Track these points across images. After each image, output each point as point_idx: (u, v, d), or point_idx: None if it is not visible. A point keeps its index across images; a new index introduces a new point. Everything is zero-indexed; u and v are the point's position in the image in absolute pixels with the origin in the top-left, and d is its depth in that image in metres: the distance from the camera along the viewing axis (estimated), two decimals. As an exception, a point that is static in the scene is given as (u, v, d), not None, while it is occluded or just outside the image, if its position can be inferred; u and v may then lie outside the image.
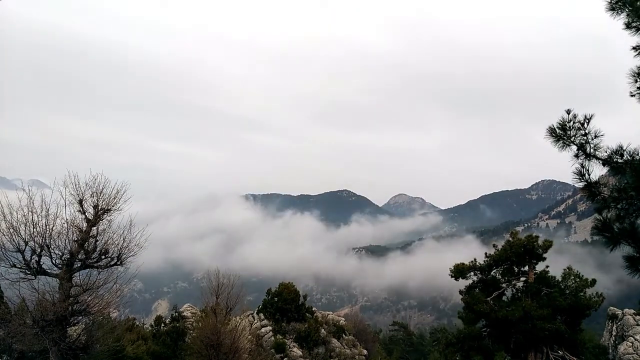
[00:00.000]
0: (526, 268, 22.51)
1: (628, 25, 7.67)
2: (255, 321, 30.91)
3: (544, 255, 22.40)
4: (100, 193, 14.02)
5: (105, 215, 14.17)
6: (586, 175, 8.00)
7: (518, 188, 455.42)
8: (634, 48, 7.85)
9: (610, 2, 7.73)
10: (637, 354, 22.37)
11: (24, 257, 12.81)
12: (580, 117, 7.77)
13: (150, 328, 27.95)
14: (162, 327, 27.03)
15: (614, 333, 25.08)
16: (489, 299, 21.79)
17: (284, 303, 32.18)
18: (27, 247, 12.74)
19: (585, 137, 7.83)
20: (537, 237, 23.03)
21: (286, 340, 29.06)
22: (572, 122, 7.85)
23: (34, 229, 12.69)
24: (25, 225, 12.59)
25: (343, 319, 38.27)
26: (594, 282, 22.23)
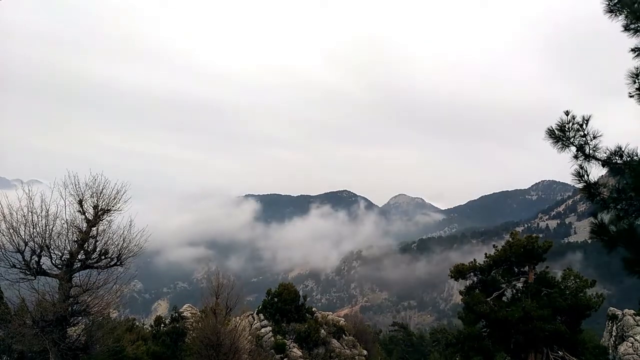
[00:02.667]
0: (526, 268, 22.53)
1: (626, 27, 7.68)
2: (255, 322, 30.91)
3: (544, 255, 22.42)
4: (100, 193, 14.03)
5: (105, 216, 14.18)
6: (585, 176, 8.00)
7: (518, 188, 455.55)
8: (632, 50, 7.86)
9: (609, 4, 7.74)
10: (637, 354, 22.36)
11: (23, 258, 12.81)
12: (579, 118, 7.78)
13: (150, 328, 27.95)
14: (162, 328, 27.02)
15: (614, 333, 25.07)
16: (489, 299, 21.79)
17: (284, 303, 32.19)
18: (26, 247, 12.74)
19: (584, 138, 7.84)
20: (536, 237, 23.05)
21: (286, 341, 29.07)
22: (570, 123, 7.87)
23: (34, 230, 12.69)
24: (25, 225, 12.59)
25: (343, 319, 38.28)
26: (593, 282, 22.25)
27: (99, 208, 14.03)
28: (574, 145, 7.89)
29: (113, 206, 14.25)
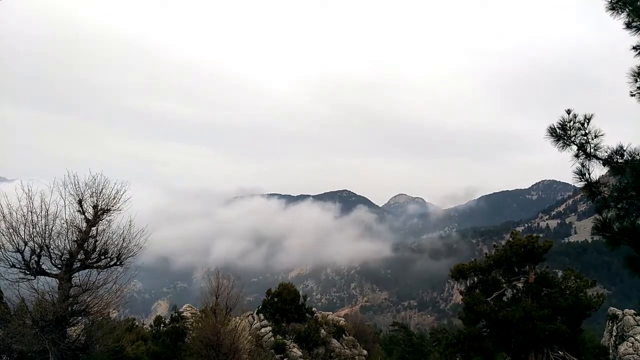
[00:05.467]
0: (526, 268, 22.49)
1: (628, 25, 7.65)
2: (255, 321, 30.88)
3: (544, 255, 22.39)
4: (100, 193, 14.01)
5: (104, 216, 14.16)
6: (586, 175, 7.97)
7: (518, 188, 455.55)
8: (634, 48, 7.83)
9: (611, 2, 7.72)
10: (637, 354, 22.34)
11: (23, 257, 12.79)
12: (581, 117, 7.74)
13: (149, 328, 27.92)
14: (161, 328, 26.99)
15: (614, 333, 25.05)
16: (489, 299, 21.75)
17: (284, 303, 32.16)
18: (26, 247, 12.71)
19: (585, 137, 7.80)
20: (537, 237, 23.01)
21: (286, 341, 29.04)
22: (572, 122, 7.83)
23: (34, 229, 12.66)
24: (25, 225, 12.56)
25: (343, 319, 38.27)
26: (594, 282, 22.22)
27: (99, 208, 14.02)
28: (575, 144, 7.86)
29: (113, 206, 14.23)
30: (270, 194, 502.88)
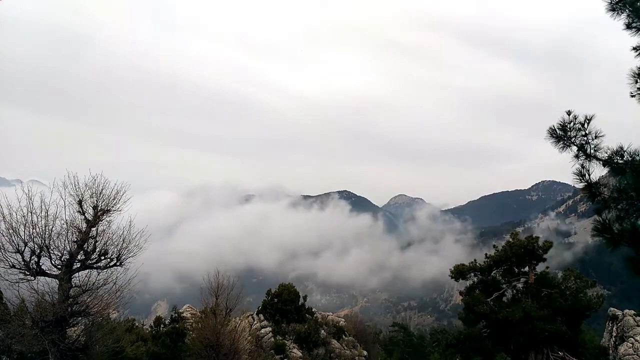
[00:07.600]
0: (526, 269, 22.51)
1: (628, 26, 7.66)
2: (255, 322, 30.87)
3: (544, 256, 22.41)
4: (100, 194, 14.00)
5: (104, 216, 14.15)
6: (586, 175, 7.97)
7: (518, 189, 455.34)
8: (634, 49, 7.84)
9: (611, 3, 7.73)
10: (637, 354, 22.32)
11: (23, 258, 12.77)
12: (581, 118, 7.75)
13: (149, 329, 27.88)
14: (161, 328, 26.97)
15: (614, 334, 25.02)
16: (489, 300, 21.78)
17: (284, 304, 32.16)
18: (26, 247, 12.70)
19: (585, 138, 7.81)
20: (537, 237, 23.03)
21: (286, 341, 29.03)
22: (572, 123, 7.84)
23: (34, 230, 12.65)
24: (25, 225, 12.54)
25: (343, 319, 38.26)
26: (594, 283, 22.27)
27: (99, 208, 14.01)
28: (575, 145, 7.86)
29: (113, 206, 14.22)
30: (270, 195, 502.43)
